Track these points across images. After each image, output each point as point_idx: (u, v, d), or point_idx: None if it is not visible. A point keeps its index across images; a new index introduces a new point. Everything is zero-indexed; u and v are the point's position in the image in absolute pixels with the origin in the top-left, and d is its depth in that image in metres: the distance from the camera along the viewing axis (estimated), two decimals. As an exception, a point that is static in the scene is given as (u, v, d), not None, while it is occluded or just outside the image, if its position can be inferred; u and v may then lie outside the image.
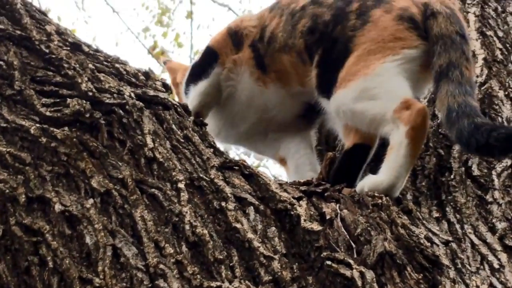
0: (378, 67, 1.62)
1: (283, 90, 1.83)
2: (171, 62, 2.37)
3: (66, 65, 1.53)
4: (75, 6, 11.03)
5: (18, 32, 1.58)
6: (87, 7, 11.06)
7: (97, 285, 1.30)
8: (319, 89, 1.75)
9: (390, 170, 1.50)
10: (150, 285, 1.28)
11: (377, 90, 1.63)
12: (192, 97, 1.92)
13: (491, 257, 1.38)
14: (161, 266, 1.29)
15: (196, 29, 10.60)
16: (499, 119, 1.69)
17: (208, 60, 1.93)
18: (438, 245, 1.36)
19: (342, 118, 1.74)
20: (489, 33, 1.92)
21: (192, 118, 1.59)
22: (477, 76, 1.80)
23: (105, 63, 1.60)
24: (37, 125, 1.46)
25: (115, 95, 1.50)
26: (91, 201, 1.38)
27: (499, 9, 2.00)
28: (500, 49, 1.87)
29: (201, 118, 1.73)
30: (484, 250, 1.39)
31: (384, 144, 1.65)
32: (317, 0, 1.79)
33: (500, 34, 1.92)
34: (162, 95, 1.55)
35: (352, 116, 1.69)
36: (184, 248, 1.32)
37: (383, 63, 1.63)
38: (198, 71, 1.96)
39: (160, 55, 10.13)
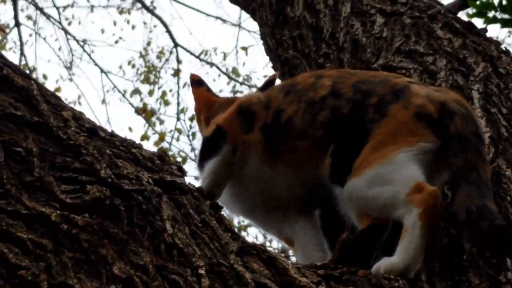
0: (393, 156, 1.66)
1: (292, 174, 1.85)
2: (203, 90, 2.30)
3: (84, 151, 1.55)
4: (62, 65, 11.03)
5: (36, 118, 1.59)
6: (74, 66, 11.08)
7: None
8: (332, 177, 1.78)
9: (406, 252, 1.51)
10: None
11: (390, 176, 1.65)
12: (204, 176, 1.92)
13: None
14: None
15: (182, 87, 10.58)
16: (508, 198, 1.71)
17: (217, 139, 1.93)
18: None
19: (355, 205, 1.75)
20: (493, 110, 1.94)
21: (208, 202, 1.60)
22: None
23: (121, 148, 1.62)
24: (58, 211, 1.47)
25: (133, 181, 1.52)
26: (113, 287, 1.40)
27: (502, 85, 2.02)
28: (505, 126, 1.89)
29: (215, 199, 1.75)
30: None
31: (396, 227, 1.66)
32: (337, 92, 1.82)
33: (504, 111, 1.94)
34: (179, 180, 1.57)
35: (365, 202, 1.71)
36: None
37: (398, 153, 1.66)
38: (208, 150, 1.96)
39: (150, 116, 10.14)
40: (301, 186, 1.92)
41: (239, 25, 11.18)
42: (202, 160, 2.00)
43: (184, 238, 1.45)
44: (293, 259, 1.90)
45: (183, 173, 1.62)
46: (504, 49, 2.22)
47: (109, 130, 1.72)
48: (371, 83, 1.85)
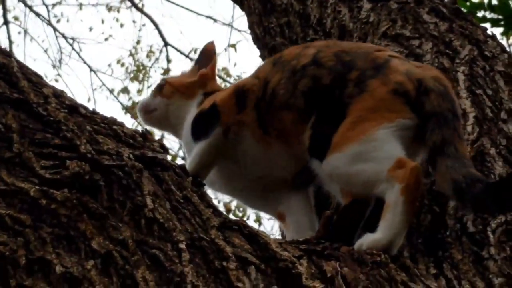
0: (373, 132, 1.67)
1: (285, 150, 1.85)
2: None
3: (64, 128, 1.54)
4: (51, 64, 11.04)
5: (16, 95, 1.59)
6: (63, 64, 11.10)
7: None
8: (311, 150, 1.78)
9: (388, 228, 1.51)
10: None
11: (371, 153, 1.66)
12: (193, 156, 1.92)
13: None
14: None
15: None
16: (492, 176, 1.71)
17: (210, 120, 1.93)
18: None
19: (336, 182, 1.77)
20: (479, 91, 1.95)
21: (190, 178, 1.59)
22: (469, 134, 1.82)
23: (102, 125, 1.62)
24: (37, 187, 1.46)
25: (114, 156, 1.52)
26: (91, 262, 1.38)
27: (487, 68, 2.03)
28: (490, 107, 1.89)
29: (199, 179, 1.75)
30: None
31: (378, 203, 1.66)
32: (318, 61, 1.81)
33: (489, 92, 1.94)
34: (160, 156, 1.57)
35: (347, 179, 1.73)
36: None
37: (378, 129, 1.67)
38: (200, 129, 1.96)
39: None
40: (293, 162, 1.92)
41: (230, 25, 11.17)
42: (193, 138, 2.00)
43: (165, 213, 1.45)
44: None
45: (165, 150, 1.62)
46: (490, 33, 2.22)
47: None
48: (353, 54, 1.85)
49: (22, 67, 1.68)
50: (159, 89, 2.16)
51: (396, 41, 2.17)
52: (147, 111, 2.16)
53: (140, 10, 10.57)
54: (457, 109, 1.74)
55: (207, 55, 2.21)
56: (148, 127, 2.10)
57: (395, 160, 1.62)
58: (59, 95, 1.66)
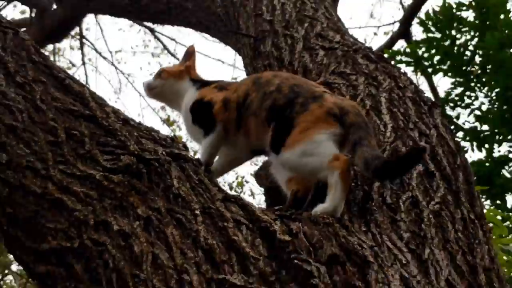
0: (314, 136, 1.69)
1: (246, 141, 1.90)
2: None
3: (119, 133, 1.55)
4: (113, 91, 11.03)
5: (87, 112, 1.59)
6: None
7: (143, 278, 1.31)
8: (271, 147, 1.80)
9: (333, 200, 1.53)
10: (177, 278, 1.29)
11: (315, 150, 1.68)
12: (204, 149, 1.92)
13: (400, 256, 1.39)
14: (185, 265, 1.30)
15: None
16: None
17: (210, 122, 1.95)
18: (366, 249, 1.37)
19: (288, 170, 1.79)
20: (394, 110, 1.94)
21: (203, 167, 1.60)
22: (388, 138, 1.82)
23: (145, 131, 1.61)
24: (101, 173, 1.47)
25: (152, 153, 1.52)
26: (137, 223, 1.39)
27: (400, 94, 2.03)
28: (402, 120, 1.89)
29: (209, 167, 1.77)
30: (396, 251, 1.40)
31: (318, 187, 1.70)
32: (279, 89, 1.84)
33: (402, 110, 1.94)
34: (183, 152, 1.57)
35: (297, 168, 1.74)
36: (200, 253, 1.32)
37: (318, 134, 1.70)
38: (205, 125, 1.97)
39: (172, 124, 10.09)
40: (246, 148, 1.98)
41: (233, 65, 11.16)
42: (197, 124, 2.01)
43: (186, 190, 1.46)
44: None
45: (186, 149, 1.62)
46: (403, 71, 2.22)
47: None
48: (301, 87, 1.87)
49: (92, 93, 1.69)
50: (159, 75, 2.15)
51: (340, 76, 2.18)
52: (150, 89, 2.15)
53: (173, 55, 10.52)
54: (366, 121, 1.79)
55: (190, 53, 2.21)
56: (150, 100, 2.11)
57: (332, 155, 1.64)
58: (116, 111, 1.66)
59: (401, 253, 1.38)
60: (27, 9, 6.52)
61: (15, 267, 11.09)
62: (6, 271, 10.77)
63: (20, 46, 1.76)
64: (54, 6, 4.69)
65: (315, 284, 1.23)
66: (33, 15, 5.33)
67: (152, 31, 8.36)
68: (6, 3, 6.26)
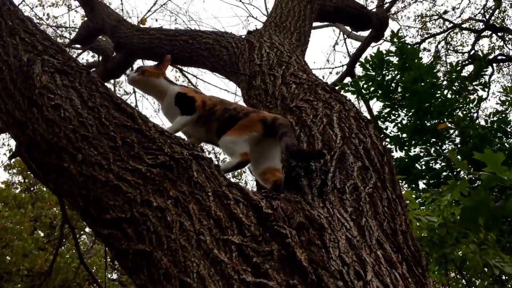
0: (242, 135, 1.82)
1: (205, 131, 1.98)
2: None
3: (157, 141, 1.54)
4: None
5: (136, 126, 1.59)
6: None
7: (173, 238, 1.31)
8: (216, 134, 1.91)
9: (225, 167, 1.75)
10: (196, 238, 1.29)
11: (238, 142, 1.81)
12: (177, 122, 1.97)
13: (346, 224, 1.38)
14: (201, 229, 1.30)
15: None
16: (345, 163, 1.71)
17: (191, 108, 2.00)
18: (323, 219, 1.36)
19: (222, 148, 1.89)
20: (342, 124, 1.93)
21: (215, 163, 1.57)
22: (337, 144, 1.81)
23: (174, 139, 1.59)
24: (145, 167, 1.47)
25: (179, 153, 1.51)
26: (169, 201, 1.39)
27: (346, 114, 2.01)
28: (347, 131, 1.88)
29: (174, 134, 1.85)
30: (343, 220, 1.39)
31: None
32: (235, 109, 1.95)
33: (347, 125, 1.93)
34: (201, 153, 1.55)
35: (225, 147, 1.86)
36: (211, 222, 1.32)
37: (244, 134, 1.82)
38: (185, 109, 2.01)
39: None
40: (205, 135, 2.02)
41: (235, 93, 11.07)
42: (179, 107, 2.04)
43: (202, 179, 1.45)
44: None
45: (203, 151, 1.60)
46: (348, 98, 2.22)
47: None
48: (249, 108, 2.06)
49: (139, 113, 1.68)
50: (142, 72, 2.14)
51: (306, 102, 2.18)
52: (134, 81, 2.14)
53: (195, 87, 10.45)
54: (289, 124, 1.89)
55: (165, 61, 2.20)
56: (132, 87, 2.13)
57: (244, 151, 1.78)
58: (155, 125, 1.65)
59: (346, 222, 1.38)
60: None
61: (87, 229, 11.06)
62: (82, 232, 10.71)
63: (91, 81, 1.76)
64: (114, 54, 4.69)
65: (289, 242, 1.23)
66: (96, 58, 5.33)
67: (181, 70, 8.32)
68: (82, 51, 6.23)
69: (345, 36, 10.30)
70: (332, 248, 1.24)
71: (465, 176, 5.98)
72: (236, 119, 1.89)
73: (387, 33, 6.42)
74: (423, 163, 6.52)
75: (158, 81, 2.12)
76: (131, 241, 1.37)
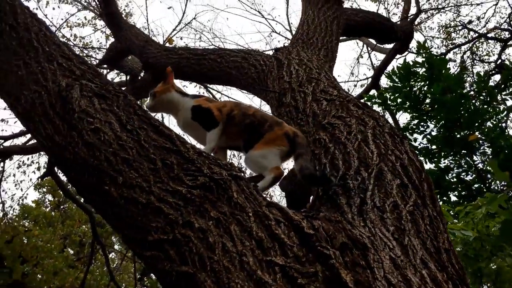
0: (271, 148, 1.87)
1: (225, 138, 2.01)
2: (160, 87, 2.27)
3: (196, 162, 1.55)
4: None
5: (175, 148, 1.61)
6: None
7: (216, 260, 1.31)
8: (244, 147, 1.95)
9: (262, 186, 1.77)
10: (239, 259, 1.29)
11: (268, 156, 1.85)
12: (209, 140, 2.00)
13: (388, 243, 1.37)
14: (244, 250, 1.30)
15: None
16: (383, 180, 1.70)
17: (212, 120, 2.03)
18: (365, 238, 1.36)
19: (249, 163, 1.90)
20: (377, 141, 1.93)
21: (253, 183, 1.58)
22: (374, 161, 1.80)
23: (212, 160, 1.60)
24: (185, 189, 1.48)
25: (218, 174, 1.52)
26: (210, 222, 1.40)
27: (381, 130, 2.02)
28: (383, 148, 1.88)
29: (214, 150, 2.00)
30: (385, 240, 1.38)
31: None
32: (254, 115, 2.00)
33: (382, 141, 1.93)
34: (239, 173, 1.56)
35: (255, 163, 1.88)
36: (253, 242, 1.33)
37: (273, 148, 1.87)
38: (207, 124, 2.04)
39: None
40: (226, 146, 2.07)
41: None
42: (198, 122, 2.07)
43: (242, 199, 1.46)
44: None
45: (241, 171, 1.60)
46: (382, 113, 2.22)
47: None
48: (268, 116, 2.06)
49: (177, 134, 1.70)
50: (153, 95, 2.17)
51: (339, 119, 2.17)
52: (151, 108, 2.16)
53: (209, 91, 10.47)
54: (307, 143, 1.96)
55: (168, 74, 2.22)
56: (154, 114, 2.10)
57: (275, 165, 1.82)
58: (193, 147, 1.66)
59: (389, 241, 1.38)
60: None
61: (116, 246, 11.17)
62: (111, 249, 10.79)
63: (128, 104, 1.80)
64: (142, 73, 4.76)
65: (333, 263, 1.23)
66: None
67: (205, 87, 8.37)
68: (109, 70, 6.34)
69: (369, 49, 10.28)
70: (377, 268, 1.23)
71: (498, 188, 5.86)
72: (261, 131, 1.93)
73: (412, 45, 6.40)
74: (453, 175, 6.42)
75: (170, 95, 2.15)
76: (174, 263, 1.38)
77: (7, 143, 6.91)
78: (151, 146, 1.61)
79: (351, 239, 1.33)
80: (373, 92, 7.12)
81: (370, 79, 8.08)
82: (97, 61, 6.58)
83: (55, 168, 5.94)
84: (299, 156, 1.82)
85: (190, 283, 1.33)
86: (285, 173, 1.96)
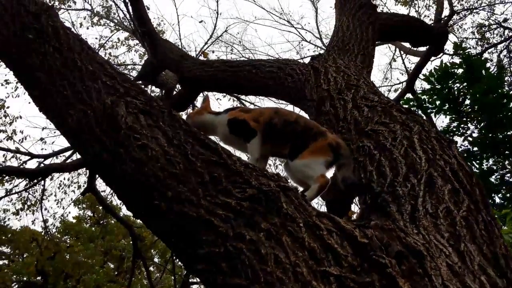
0: (317, 158, 1.90)
1: (270, 147, 2.07)
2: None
3: (244, 174, 1.57)
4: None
5: (222, 161, 1.63)
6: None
7: (269, 271, 1.32)
8: (289, 155, 1.98)
9: (309, 196, 1.78)
10: (293, 270, 1.30)
11: (314, 166, 1.88)
12: (252, 150, 2.05)
13: (444, 250, 1.35)
14: (297, 261, 1.30)
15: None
16: (435, 185, 1.68)
17: (249, 130, 2.09)
18: (420, 246, 1.34)
19: (293, 171, 1.94)
20: (424, 146, 1.91)
21: (301, 193, 1.57)
22: (422, 167, 1.78)
23: (259, 171, 1.61)
24: (235, 201, 1.49)
25: (267, 186, 1.52)
26: (261, 233, 1.40)
27: (427, 134, 1.99)
28: (430, 153, 1.86)
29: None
30: (441, 246, 1.37)
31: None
32: (297, 122, 2.05)
33: (430, 146, 1.90)
34: (287, 184, 1.56)
35: (299, 172, 1.92)
36: (306, 253, 1.33)
37: (318, 157, 1.90)
38: (244, 134, 2.10)
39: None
40: (269, 153, 2.13)
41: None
42: (236, 134, 2.14)
43: (291, 210, 1.46)
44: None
45: (288, 181, 1.61)
46: (426, 118, 2.19)
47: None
48: (311, 123, 2.10)
49: (222, 147, 1.71)
50: (188, 117, 2.30)
51: (382, 125, 2.15)
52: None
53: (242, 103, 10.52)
54: (350, 153, 2.00)
55: (205, 99, 2.36)
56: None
57: (320, 174, 1.84)
58: (239, 159, 1.67)
59: (444, 248, 1.36)
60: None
61: (156, 259, 11.30)
62: (151, 262, 10.93)
63: (173, 119, 1.82)
64: (178, 86, 4.84)
65: (389, 272, 1.22)
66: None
67: (238, 98, 8.42)
68: (144, 86, 6.46)
69: (402, 53, 10.17)
70: (435, 276, 1.22)
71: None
72: (305, 139, 1.97)
73: (446, 46, 6.29)
74: (497, 176, 6.26)
75: (203, 117, 2.26)
76: (226, 276, 1.39)
77: (47, 161, 7.12)
78: (198, 160, 1.63)
79: (406, 247, 1.31)
80: (408, 96, 7.03)
81: (404, 83, 7.99)
82: (132, 78, 6.73)
83: (95, 184, 6.08)
84: (341, 166, 1.88)
85: (244, 296, 1.34)
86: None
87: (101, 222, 12.32)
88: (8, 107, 9.52)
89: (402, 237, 1.36)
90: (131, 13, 4.83)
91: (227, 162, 1.62)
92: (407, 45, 6.61)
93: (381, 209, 1.60)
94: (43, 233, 9.86)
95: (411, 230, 1.44)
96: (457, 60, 6.37)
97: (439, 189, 1.62)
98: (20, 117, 9.47)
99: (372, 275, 1.23)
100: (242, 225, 1.43)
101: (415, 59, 8.76)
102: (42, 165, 6.84)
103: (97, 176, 6.22)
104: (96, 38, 9.78)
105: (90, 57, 2.17)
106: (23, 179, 7.17)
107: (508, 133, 6.12)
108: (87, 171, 6.66)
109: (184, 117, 2.30)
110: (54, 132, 8.86)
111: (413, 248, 1.31)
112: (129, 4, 4.76)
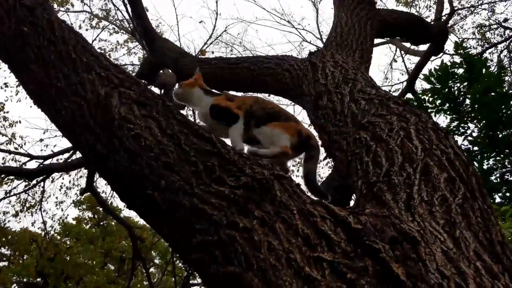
0: (283, 131, 1.96)
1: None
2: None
3: (237, 163, 1.56)
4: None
5: (215, 150, 1.61)
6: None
7: (262, 258, 1.31)
8: (255, 124, 2.02)
9: (265, 152, 1.87)
10: (286, 257, 1.29)
11: (280, 135, 1.94)
12: (233, 136, 2.02)
13: (439, 236, 1.35)
14: (290, 248, 1.29)
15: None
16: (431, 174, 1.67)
17: (232, 116, 2.07)
18: (414, 232, 1.33)
19: (260, 136, 1.98)
20: (420, 136, 1.89)
21: (296, 182, 1.56)
22: (419, 156, 1.77)
23: (253, 160, 1.60)
24: (228, 189, 1.48)
25: (260, 174, 1.51)
26: (255, 221, 1.39)
27: (423, 125, 1.98)
28: (427, 143, 1.84)
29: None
30: (436, 233, 1.36)
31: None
32: (273, 108, 2.11)
33: (426, 136, 1.89)
34: (281, 173, 1.55)
35: (266, 138, 1.96)
36: (300, 239, 1.32)
37: (286, 132, 1.95)
38: (227, 119, 2.07)
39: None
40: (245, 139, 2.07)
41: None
42: (217, 119, 2.12)
43: (285, 198, 1.45)
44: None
45: (286, 172, 1.61)
46: (423, 111, 2.18)
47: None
48: (284, 110, 2.13)
49: (216, 137, 1.70)
50: (180, 86, 2.30)
51: (378, 116, 2.14)
52: (175, 95, 2.28)
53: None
54: (318, 147, 2.04)
55: (197, 74, 2.36)
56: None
57: (285, 144, 1.89)
58: (233, 148, 1.67)
59: (439, 234, 1.35)
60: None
61: (156, 260, 11.28)
62: (151, 263, 10.92)
63: (167, 110, 1.81)
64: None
65: (383, 257, 1.21)
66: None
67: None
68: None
69: (402, 53, 10.16)
70: (429, 261, 1.20)
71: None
72: (277, 118, 2.02)
73: (446, 46, 6.29)
74: (497, 175, 6.24)
75: (193, 90, 2.27)
76: (220, 264, 1.38)
77: (46, 163, 7.11)
78: (192, 150, 1.62)
79: (400, 233, 1.30)
80: (408, 96, 7.02)
81: (404, 83, 8.00)
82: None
83: (94, 185, 6.06)
84: (310, 158, 1.96)
85: (237, 284, 1.33)
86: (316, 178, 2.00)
87: (101, 223, 12.32)
88: (7, 112, 9.51)
89: (397, 223, 1.35)
90: (130, 13, 4.83)
91: (221, 151, 1.61)
92: (407, 44, 6.61)
93: (377, 198, 1.59)
94: (42, 235, 9.85)
95: (406, 218, 1.43)
96: (457, 59, 6.35)
97: (435, 177, 1.61)
98: (20, 122, 9.42)
99: (366, 260, 1.22)
100: (235, 213, 1.42)
101: (416, 59, 8.76)
102: (41, 165, 6.84)
103: (96, 176, 6.22)
104: (95, 40, 9.75)
105: (85, 50, 2.15)
106: (22, 179, 7.16)
107: (508, 132, 6.11)
108: (87, 171, 6.65)
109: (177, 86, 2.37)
110: (55, 136, 8.86)
111: (407, 234, 1.30)
112: (127, 3, 4.77)
